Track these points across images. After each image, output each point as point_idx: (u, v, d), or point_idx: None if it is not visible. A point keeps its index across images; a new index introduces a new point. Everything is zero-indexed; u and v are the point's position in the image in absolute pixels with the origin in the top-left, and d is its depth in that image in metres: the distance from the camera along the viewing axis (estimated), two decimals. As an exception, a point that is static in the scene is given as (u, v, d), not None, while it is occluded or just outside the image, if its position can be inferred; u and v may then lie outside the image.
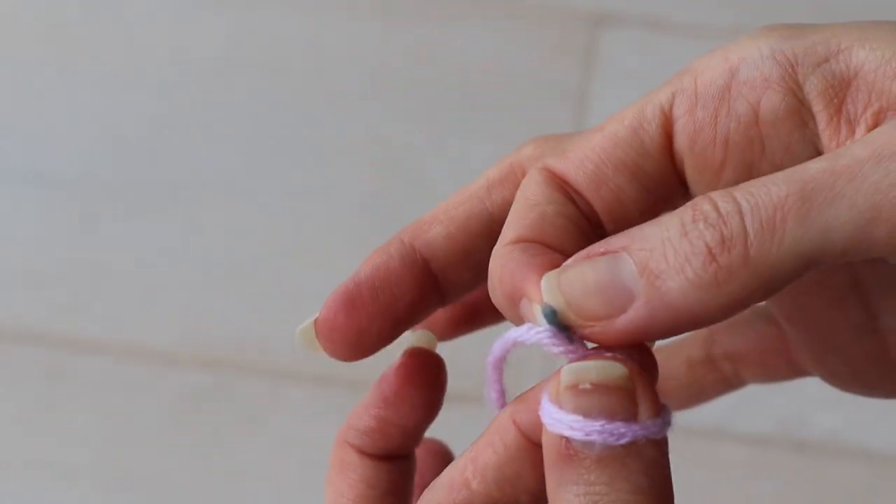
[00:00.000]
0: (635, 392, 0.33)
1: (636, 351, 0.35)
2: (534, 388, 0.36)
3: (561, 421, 0.33)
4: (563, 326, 0.34)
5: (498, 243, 0.37)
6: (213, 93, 1.01)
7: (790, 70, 0.36)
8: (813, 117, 0.36)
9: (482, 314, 0.45)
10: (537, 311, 0.35)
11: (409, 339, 0.41)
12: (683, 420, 0.86)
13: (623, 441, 0.33)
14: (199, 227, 0.96)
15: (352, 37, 1.03)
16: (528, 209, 0.37)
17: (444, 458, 0.45)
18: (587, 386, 0.33)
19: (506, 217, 0.38)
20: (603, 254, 0.34)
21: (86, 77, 1.01)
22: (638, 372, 0.34)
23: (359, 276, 0.40)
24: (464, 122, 1.00)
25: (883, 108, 0.35)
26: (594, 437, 0.33)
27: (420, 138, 1.00)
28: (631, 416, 0.33)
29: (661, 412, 0.33)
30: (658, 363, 0.36)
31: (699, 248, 0.33)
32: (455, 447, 0.44)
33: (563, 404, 0.33)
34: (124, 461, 0.89)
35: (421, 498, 0.38)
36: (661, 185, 0.38)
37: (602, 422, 0.33)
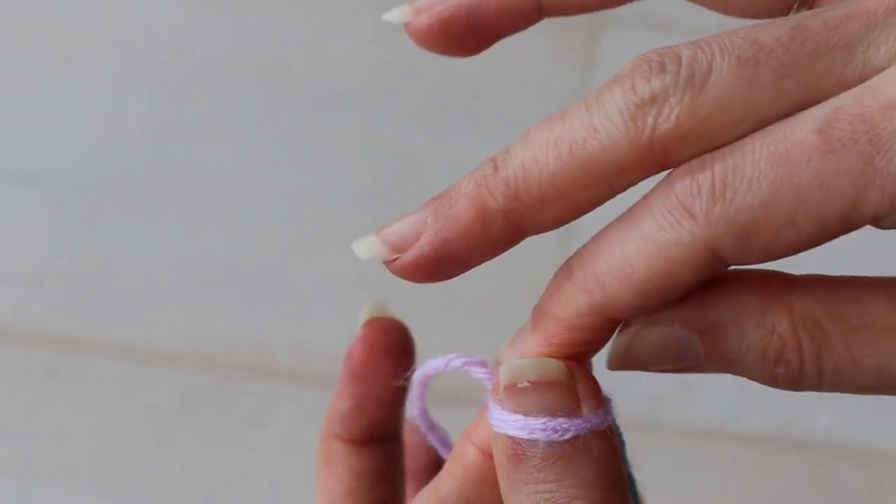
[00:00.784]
0: (575, 386, 0.33)
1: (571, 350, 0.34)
2: (485, 405, 0.35)
3: (505, 421, 0.33)
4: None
5: None
6: (213, 93, 1.01)
7: None
8: None
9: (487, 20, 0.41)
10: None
11: (362, 314, 0.41)
12: (683, 420, 0.87)
13: (567, 436, 0.32)
14: (199, 227, 0.96)
15: (352, 37, 1.03)
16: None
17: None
18: (525, 384, 0.33)
19: None
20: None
21: (86, 77, 1.01)
22: (576, 366, 0.33)
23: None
24: (464, 122, 1.00)
25: None
26: (538, 435, 0.32)
27: (420, 138, 1.00)
28: (573, 411, 0.32)
29: (603, 403, 0.33)
30: None
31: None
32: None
33: (504, 405, 0.33)
34: (124, 461, 0.89)
35: None
36: None
37: (544, 419, 0.32)
